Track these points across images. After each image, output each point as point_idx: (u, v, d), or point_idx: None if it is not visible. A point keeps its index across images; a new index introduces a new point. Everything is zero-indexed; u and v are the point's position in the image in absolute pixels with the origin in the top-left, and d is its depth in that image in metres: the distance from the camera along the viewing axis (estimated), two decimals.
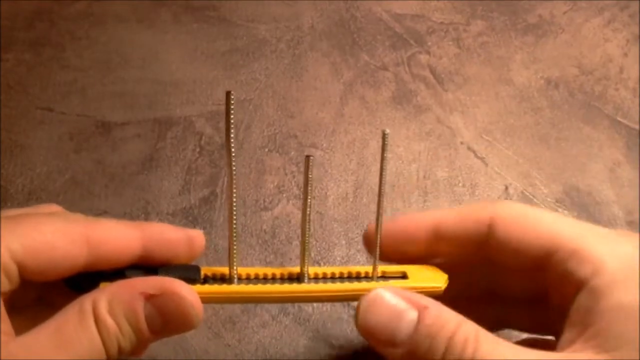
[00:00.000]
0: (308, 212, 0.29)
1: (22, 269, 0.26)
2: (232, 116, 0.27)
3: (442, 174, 0.50)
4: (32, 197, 0.46)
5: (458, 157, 0.51)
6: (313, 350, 0.40)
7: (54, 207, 0.31)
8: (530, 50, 0.59)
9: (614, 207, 0.49)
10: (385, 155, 0.29)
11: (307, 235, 0.29)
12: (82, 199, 0.47)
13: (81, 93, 0.53)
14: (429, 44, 0.59)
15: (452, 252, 0.32)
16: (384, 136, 0.29)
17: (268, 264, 0.44)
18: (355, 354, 0.41)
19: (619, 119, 0.55)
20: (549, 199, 0.49)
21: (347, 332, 0.41)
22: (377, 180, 0.49)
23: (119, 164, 0.49)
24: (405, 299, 0.27)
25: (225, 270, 0.29)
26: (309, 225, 0.29)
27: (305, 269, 0.29)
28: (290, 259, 0.45)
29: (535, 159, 0.52)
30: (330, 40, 0.58)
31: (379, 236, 0.30)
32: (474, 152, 0.52)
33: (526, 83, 0.57)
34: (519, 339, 0.34)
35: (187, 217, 0.46)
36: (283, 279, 0.29)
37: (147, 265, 0.29)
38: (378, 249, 0.30)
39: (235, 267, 0.29)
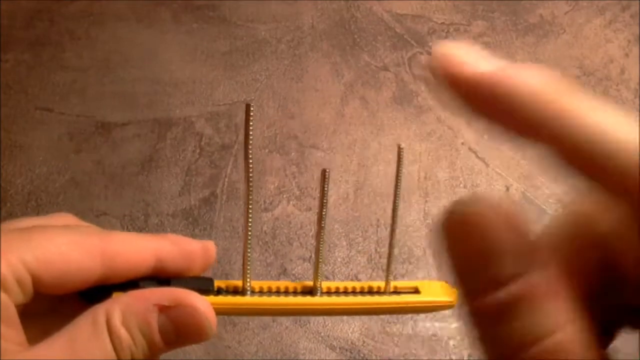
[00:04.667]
0: (323, 225, 0.29)
1: (36, 281, 0.26)
2: (251, 130, 0.27)
3: (443, 175, 0.50)
4: (31, 197, 0.46)
5: (459, 158, 0.51)
6: (313, 352, 0.40)
7: (69, 218, 0.31)
8: (531, 51, 0.59)
9: None
10: (400, 170, 0.29)
11: (320, 249, 0.29)
12: (81, 200, 0.46)
13: (81, 93, 0.53)
14: (430, 44, 0.59)
15: None
16: (399, 151, 0.28)
17: (268, 264, 0.44)
18: (356, 356, 0.40)
19: None
20: (550, 200, 0.49)
21: (347, 333, 0.41)
22: (377, 181, 0.49)
23: (119, 164, 0.49)
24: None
25: (238, 283, 0.29)
26: (323, 239, 0.29)
27: (319, 283, 0.29)
28: (291, 259, 0.44)
29: (536, 159, 0.52)
30: (330, 41, 0.58)
31: (391, 253, 0.30)
32: (475, 152, 0.52)
33: None
34: None
35: (187, 218, 0.46)
36: (296, 293, 0.29)
37: (160, 276, 0.28)
38: (391, 262, 0.30)
39: (248, 280, 0.28)
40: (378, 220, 0.47)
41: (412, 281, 0.30)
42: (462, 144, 0.52)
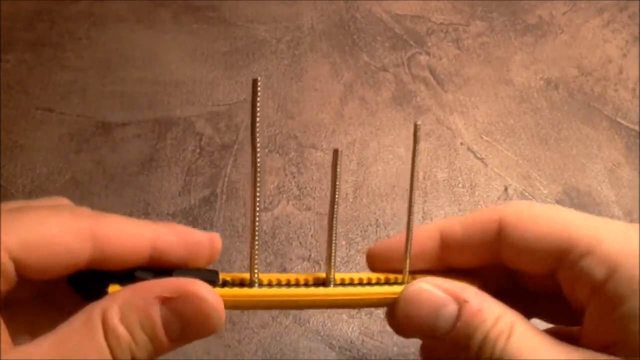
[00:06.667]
0: (335, 210, 0.27)
1: (19, 265, 0.24)
2: (258, 107, 0.24)
3: (442, 175, 0.50)
4: (32, 197, 0.46)
5: (458, 158, 0.52)
6: (313, 351, 0.41)
7: (62, 200, 0.29)
8: (529, 51, 0.59)
9: (614, 208, 0.49)
10: (417, 148, 0.27)
11: (333, 237, 0.27)
12: (82, 199, 0.47)
13: (81, 93, 0.53)
14: (429, 44, 0.59)
15: (462, 260, 0.30)
16: (415, 129, 0.27)
17: (268, 264, 0.44)
18: (355, 355, 0.41)
19: (618, 119, 0.55)
20: (548, 200, 0.50)
21: (347, 332, 0.41)
22: (377, 180, 0.49)
23: (119, 164, 0.49)
24: (446, 291, 0.26)
25: (245, 275, 0.27)
26: (336, 226, 0.27)
27: (332, 274, 0.28)
28: (291, 259, 0.45)
29: (534, 159, 0.52)
30: (330, 41, 0.58)
31: (409, 240, 0.28)
32: (473, 152, 0.52)
33: (526, 84, 0.57)
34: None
35: (187, 218, 0.46)
36: (308, 285, 0.28)
37: (159, 267, 0.26)
38: (409, 253, 0.29)
39: (256, 272, 0.27)
40: (377, 220, 0.47)
41: (431, 275, 0.29)
42: (461, 144, 0.52)
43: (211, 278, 0.26)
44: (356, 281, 0.28)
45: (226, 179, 0.48)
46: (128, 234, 0.26)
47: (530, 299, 0.32)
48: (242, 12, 0.60)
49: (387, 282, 0.28)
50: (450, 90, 0.56)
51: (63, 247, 0.24)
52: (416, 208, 0.48)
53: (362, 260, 0.45)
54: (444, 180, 0.50)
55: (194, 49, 0.57)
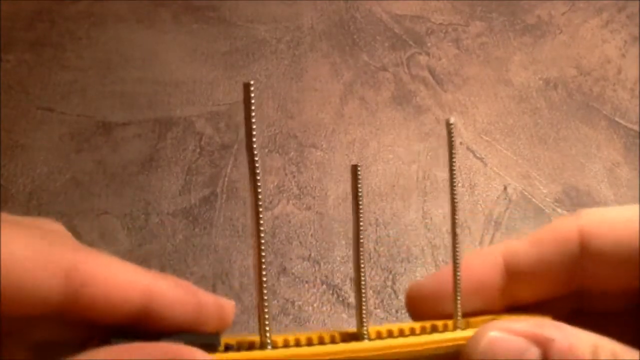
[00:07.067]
0: (361, 244, 0.22)
1: None
2: (253, 113, 0.20)
3: (442, 174, 0.51)
4: (33, 197, 0.46)
5: (457, 158, 0.52)
6: None
7: (52, 224, 0.23)
8: (528, 51, 0.60)
9: None
10: (454, 152, 0.23)
11: (362, 281, 0.22)
12: (82, 199, 0.47)
13: (81, 93, 0.53)
14: (429, 44, 0.59)
15: (532, 291, 0.25)
16: (449, 127, 0.23)
17: (268, 263, 0.44)
18: None
19: (617, 119, 0.55)
20: (547, 199, 0.50)
21: None
22: (376, 180, 0.49)
23: (120, 164, 0.49)
24: (522, 334, 0.22)
25: (254, 338, 0.22)
26: (365, 266, 0.22)
27: (365, 327, 0.23)
28: (291, 258, 0.45)
29: (534, 159, 0.52)
30: (330, 41, 0.59)
31: (458, 275, 0.23)
32: (473, 152, 0.52)
33: (525, 83, 0.57)
34: None
35: (188, 217, 0.46)
36: (335, 342, 0.23)
37: (143, 330, 0.22)
38: (459, 294, 0.23)
39: (268, 331, 0.22)
40: (377, 219, 0.47)
41: (488, 316, 0.24)
42: (461, 143, 0.53)
43: (210, 342, 0.22)
44: (396, 333, 0.23)
45: (226, 179, 0.49)
46: (117, 278, 0.21)
47: (598, 322, 0.25)
48: (242, 12, 0.60)
49: (435, 330, 0.24)
50: (449, 90, 0.56)
51: (28, 280, 0.19)
52: (415, 207, 0.48)
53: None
54: (444, 179, 0.50)
55: (194, 49, 0.57)
